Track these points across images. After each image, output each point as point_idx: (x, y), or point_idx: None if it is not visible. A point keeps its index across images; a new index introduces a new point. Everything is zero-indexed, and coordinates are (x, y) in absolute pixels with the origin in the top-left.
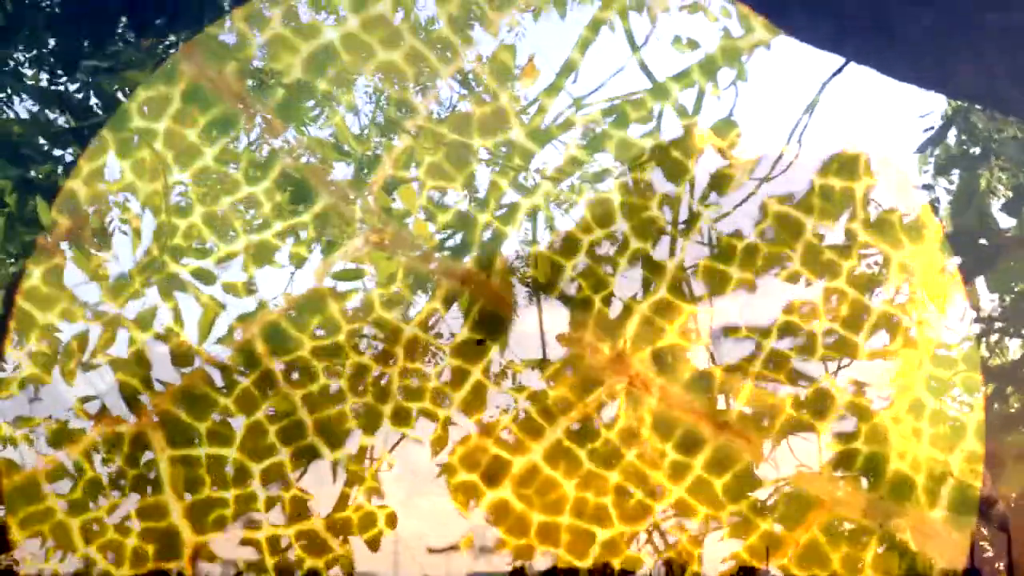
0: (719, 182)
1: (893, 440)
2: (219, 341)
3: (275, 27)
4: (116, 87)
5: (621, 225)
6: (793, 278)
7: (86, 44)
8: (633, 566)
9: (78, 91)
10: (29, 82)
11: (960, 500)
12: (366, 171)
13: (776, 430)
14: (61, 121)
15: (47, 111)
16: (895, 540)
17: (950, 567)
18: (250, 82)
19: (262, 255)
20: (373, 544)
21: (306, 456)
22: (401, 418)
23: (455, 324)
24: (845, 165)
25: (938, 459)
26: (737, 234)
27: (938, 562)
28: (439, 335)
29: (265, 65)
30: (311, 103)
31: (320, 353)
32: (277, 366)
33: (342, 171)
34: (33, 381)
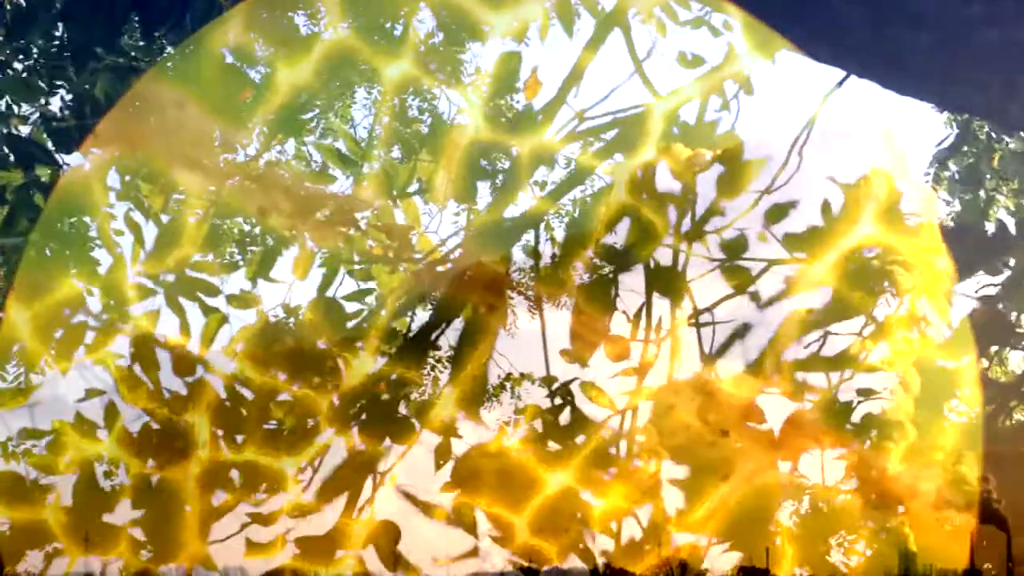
0: (721, 192)
1: (895, 441)
2: (224, 350)
3: (274, 36)
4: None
5: (623, 235)
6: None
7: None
8: (634, 566)
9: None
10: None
11: (960, 500)
12: (367, 183)
13: (786, 439)
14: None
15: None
16: (895, 540)
17: (950, 567)
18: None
19: (264, 265)
20: (386, 558)
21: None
22: (405, 429)
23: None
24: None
25: (938, 459)
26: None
27: (938, 562)
28: (439, 349)
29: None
30: (311, 114)
31: (321, 358)
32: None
33: (343, 184)
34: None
